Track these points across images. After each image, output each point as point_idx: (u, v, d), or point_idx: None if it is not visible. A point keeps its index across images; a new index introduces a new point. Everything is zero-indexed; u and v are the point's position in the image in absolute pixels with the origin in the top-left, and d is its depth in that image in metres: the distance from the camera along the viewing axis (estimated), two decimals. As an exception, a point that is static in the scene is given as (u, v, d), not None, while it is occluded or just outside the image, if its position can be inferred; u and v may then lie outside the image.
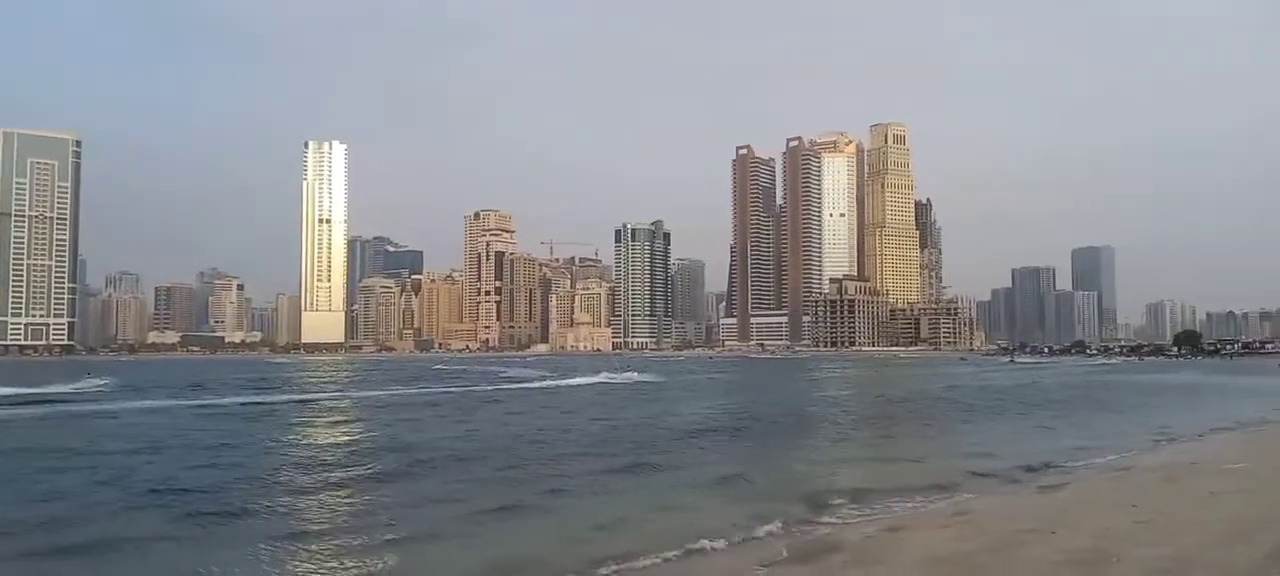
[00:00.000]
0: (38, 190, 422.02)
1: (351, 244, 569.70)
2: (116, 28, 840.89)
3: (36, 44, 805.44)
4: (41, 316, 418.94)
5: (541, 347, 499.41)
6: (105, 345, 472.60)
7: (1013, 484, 23.88)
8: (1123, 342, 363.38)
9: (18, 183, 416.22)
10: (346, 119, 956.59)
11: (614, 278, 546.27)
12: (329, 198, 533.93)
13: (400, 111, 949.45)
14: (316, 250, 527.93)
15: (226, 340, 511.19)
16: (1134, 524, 15.77)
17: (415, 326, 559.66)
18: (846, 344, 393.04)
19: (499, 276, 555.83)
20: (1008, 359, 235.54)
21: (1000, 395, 69.71)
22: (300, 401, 64.59)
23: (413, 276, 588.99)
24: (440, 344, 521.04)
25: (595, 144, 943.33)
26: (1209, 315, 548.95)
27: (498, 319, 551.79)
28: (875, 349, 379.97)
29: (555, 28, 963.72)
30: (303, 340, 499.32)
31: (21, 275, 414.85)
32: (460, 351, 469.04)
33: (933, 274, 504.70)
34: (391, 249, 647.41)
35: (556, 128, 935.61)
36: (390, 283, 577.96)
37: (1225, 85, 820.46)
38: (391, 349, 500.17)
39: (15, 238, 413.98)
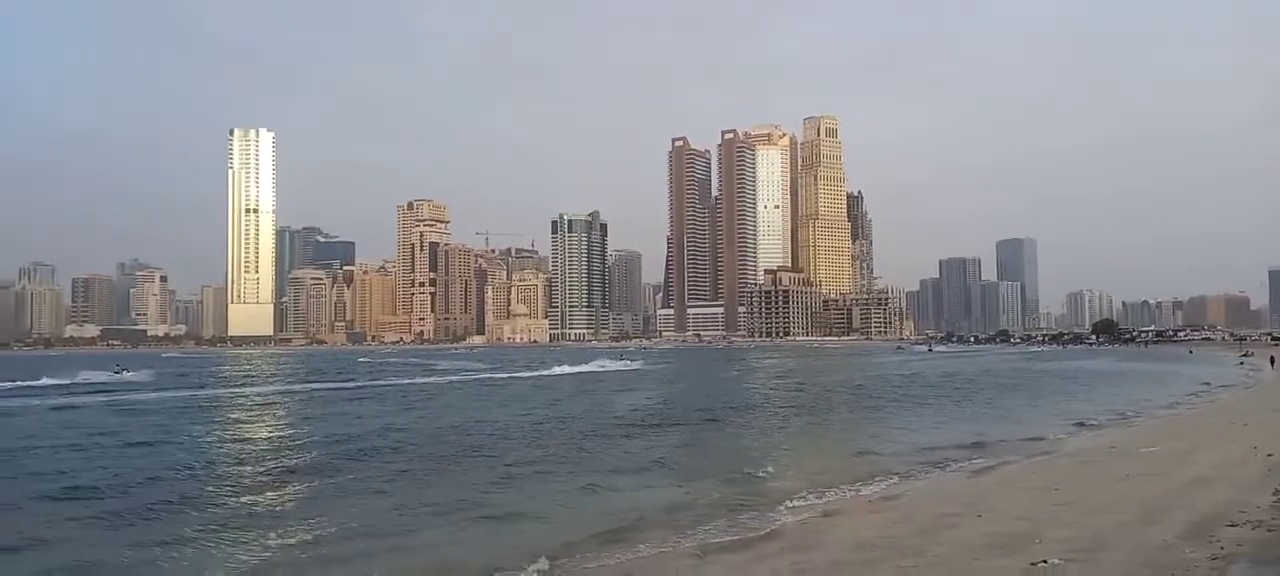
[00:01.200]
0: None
1: (280, 234, 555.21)
2: (33, 15, 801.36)
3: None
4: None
5: (477, 339, 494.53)
6: (19, 340, 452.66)
7: (940, 469, 24.64)
8: (1044, 331, 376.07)
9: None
10: (274, 106, 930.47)
11: (551, 269, 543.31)
12: (256, 187, 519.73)
13: (331, 100, 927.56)
14: (243, 240, 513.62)
15: (149, 333, 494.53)
16: (1054, 506, 16.44)
17: (347, 319, 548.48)
18: (781, 334, 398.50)
19: (433, 268, 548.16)
20: (926, 348, 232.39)
21: (928, 384, 71.53)
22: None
23: (344, 268, 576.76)
24: (373, 337, 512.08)
25: (530, 134, 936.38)
26: (1125, 304, 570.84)
27: (432, 311, 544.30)
28: (809, 338, 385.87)
29: (488, 15, 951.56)
30: (229, 333, 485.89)
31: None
32: (394, 344, 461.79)
33: (864, 265, 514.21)
34: (322, 239, 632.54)
35: (491, 117, 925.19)
36: (321, 274, 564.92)
37: (1149, 87, 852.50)
38: (322, 342, 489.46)
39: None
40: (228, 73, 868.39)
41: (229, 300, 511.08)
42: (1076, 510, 15.82)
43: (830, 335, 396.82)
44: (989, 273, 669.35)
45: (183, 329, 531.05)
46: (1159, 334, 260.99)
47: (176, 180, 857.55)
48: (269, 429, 39.98)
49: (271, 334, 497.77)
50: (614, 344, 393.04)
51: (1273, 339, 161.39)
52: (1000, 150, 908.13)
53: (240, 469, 26.17)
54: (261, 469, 26.02)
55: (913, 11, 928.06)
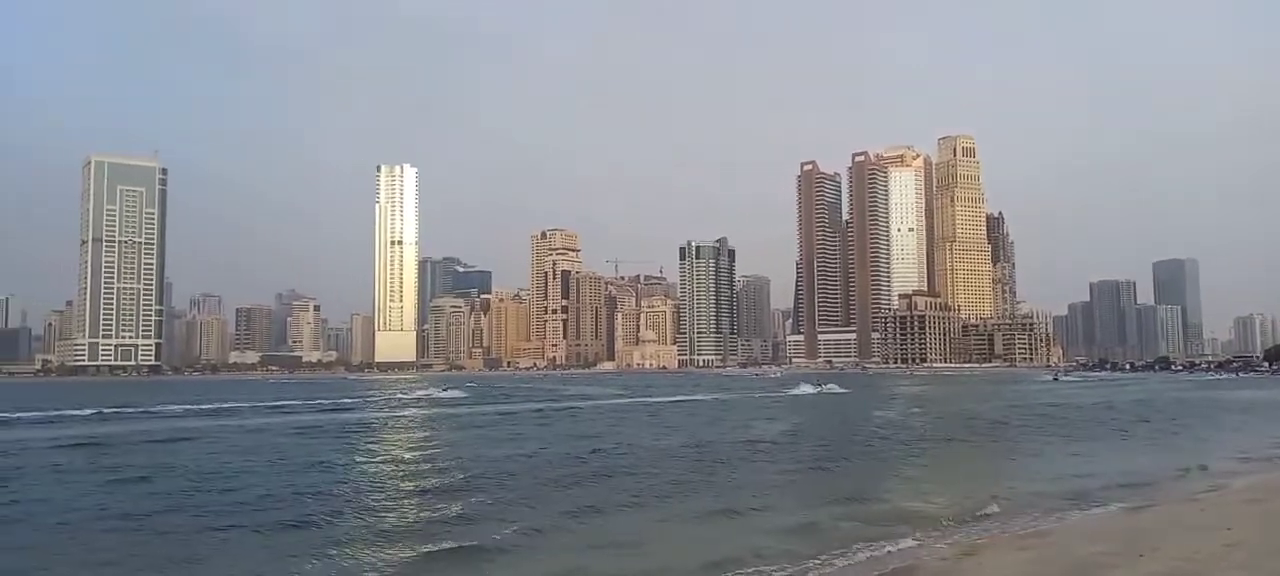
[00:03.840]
0: (126, 216, 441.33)
1: (422, 265, 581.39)
2: (190, 59, 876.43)
3: (117, 74, 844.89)
4: (130, 337, 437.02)
5: (608, 365, 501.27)
6: (190, 365, 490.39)
7: (1095, 505, 23.24)
8: (1210, 358, 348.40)
9: (108, 210, 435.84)
10: (415, 141, 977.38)
11: (679, 295, 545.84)
12: (400, 220, 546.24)
13: (467, 133, 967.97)
14: (389, 271, 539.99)
15: (304, 360, 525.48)
16: (1225, 547, 15.28)
17: (484, 345, 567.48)
18: (917, 360, 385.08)
19: (565, 295, 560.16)
20: (1051, 376, 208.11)
21: (1081, 414, 67.59)
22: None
23: (482, 296, 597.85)
24: (508, 363, 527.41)
25: (660, 161, 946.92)
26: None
27: (564, 337, 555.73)
28: (947, 365, 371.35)
29: (612, 44, 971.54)
30: (376, 359, 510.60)
31: (112, 298, 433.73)
32: (528, 370, 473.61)
33: (1006, 288, 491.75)
34: (461, 269, 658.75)
35: (620, 146, 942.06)
36: (460, 302, 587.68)
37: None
38: (461, 367, 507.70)
39: (107, 262, 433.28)
40: (373, 110, 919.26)
41: (376, 328, 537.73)
42: (1250, 551, 14.65)
43: (970, 361, 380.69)
44: (1145, 296, 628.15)
45: (334, 355, 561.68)
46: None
47: (329, 215, 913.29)
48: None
49: (414, 360, 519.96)
50: (743, 370, 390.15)
51: None
52: (1153, 165, 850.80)
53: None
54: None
55: (1049, 21, 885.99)
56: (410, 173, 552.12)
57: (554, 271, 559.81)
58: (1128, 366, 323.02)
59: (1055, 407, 76.08)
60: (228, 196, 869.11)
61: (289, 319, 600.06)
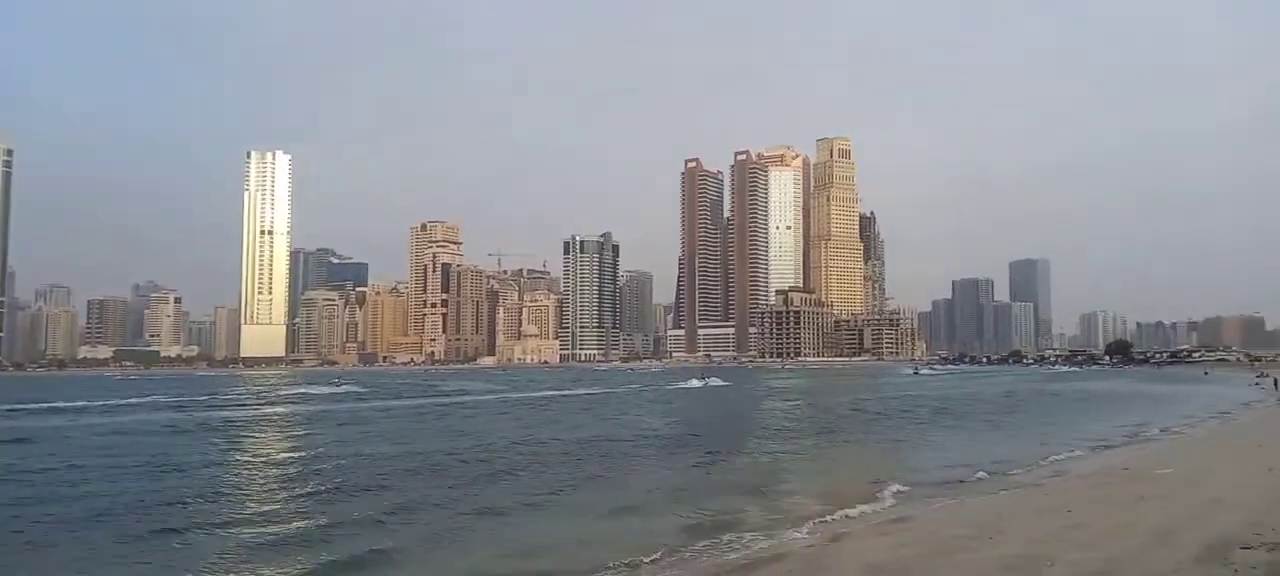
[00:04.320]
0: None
1: (294, 256, 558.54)
2: (49, 29, 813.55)
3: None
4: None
5: (488, 360, 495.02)
6: (33, 360, 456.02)
7: (953, 491, 24.40)
8: (1058, 352, 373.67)
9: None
10: (290, 128, 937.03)
11: (562, 289, 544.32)
12: (271, 209, 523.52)
13: (347, 121, 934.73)
14: (258, 262, 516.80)
15: (162, 354, 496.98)
16: (1067, 528, 16.27)
17: (359, 340, 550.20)
18: (792, 354, 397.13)
19: (445, 288, 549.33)
20: (912, 371, 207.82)
21: (941, 406, 71.08)
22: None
23: (357, 289, 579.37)
24: (385, 358, 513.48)
25: (543, 156, 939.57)
26: (1139, 325, 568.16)
27: (444, 332, 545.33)
28: (819, 359, 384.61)
29: (497, 34, 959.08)
30: (242, 354, 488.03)
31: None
32: (406, 365, 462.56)
33: (876, 285, 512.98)
34: (335, 261, 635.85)
35: (503, 139, 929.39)
36: (334, 295, 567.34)
37: (1166, 95, 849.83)
38: (334, 363, 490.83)
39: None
40: (243, 94, 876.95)
41: (243, 321, 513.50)
42: (1090, 532, 15.66)
43: (841, 356, 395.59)
44: (1002, 293, 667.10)
45: (195, 350, 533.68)
46: (1173, 355, 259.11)
47: (193, 202, 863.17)
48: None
49: (283, 355, 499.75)
50: (624, 364, 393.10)
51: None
52: (1010, 168, 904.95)
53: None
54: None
55: (922, 28, 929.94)
56: (283, 160, 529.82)
57: (434, 264, 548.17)
58: (985, 360, 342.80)
59: (919, 399, 79.81)
60: (80, 180, 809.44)
61: (147, 311, 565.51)
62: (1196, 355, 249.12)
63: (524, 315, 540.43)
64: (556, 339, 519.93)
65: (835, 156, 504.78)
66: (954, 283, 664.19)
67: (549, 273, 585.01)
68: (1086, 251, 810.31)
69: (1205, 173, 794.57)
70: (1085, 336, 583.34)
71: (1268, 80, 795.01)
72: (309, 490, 25.84)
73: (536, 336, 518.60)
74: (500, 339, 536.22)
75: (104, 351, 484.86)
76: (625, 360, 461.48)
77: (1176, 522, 16.02)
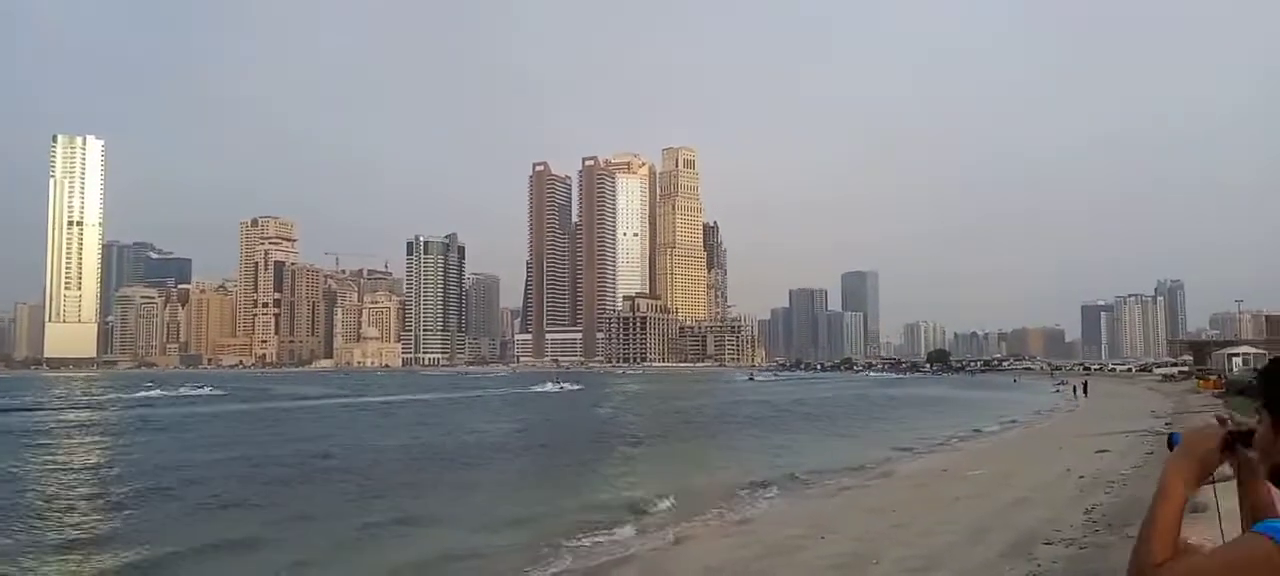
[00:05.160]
0: None
1: (107, 249, 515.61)
2: None
3: None
4: None
5: (325, 363, 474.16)
6: None
7: (789, 492, 25.41)
8: (884, 359, 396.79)
9: None
10: (106, 112, 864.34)
11: (405, 291, 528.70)
12: (80, 198, 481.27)
13: (169, 108, 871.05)
14: (63, 255, 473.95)
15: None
16: (891, 527, 17.28)
17: (181, 340, 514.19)
18: (639, 359, 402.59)
19: (278, 287, 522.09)
20: (747, 377, 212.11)
21: (778, 409, 73.89)
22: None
23: (179, 286, 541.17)
24: (210, 359, 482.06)
25: (387, 155, 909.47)
26: (957, 335, 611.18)
27: (276, 333, 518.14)
28: (664, 364, 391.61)
29: (342, 27, 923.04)
30: (46, 354, 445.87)
31: None
32: (233, 367, 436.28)
33: (719, 293, 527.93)
34: (155, 256, 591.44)
35: (344, 135, 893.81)
36: (152, 292, 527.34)
37: (983, 121, 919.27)
38: (152, 364, 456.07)
39: None
40: (54, 74, 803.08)
41: (46, 319, 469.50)
42: (911, 531, 16.67)
43: (686, 361, 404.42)
44: (835, 303, 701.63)
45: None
46: (986, 363, 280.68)
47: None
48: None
49: (94, 356, 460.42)
50: (471, 369, 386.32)
51: (1083, 369, 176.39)
52: (846, 185, 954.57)
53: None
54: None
55: (771, 45, 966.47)
56: (95, 145, 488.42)
57: (266, 261, 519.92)
58: (819, 366, 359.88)
59: (759, 405, 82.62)
60: None
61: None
62: (1006, 364, 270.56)
63: (364, 317, 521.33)
64: (399, 342, 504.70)
65: (681, 166, 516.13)
66: (791, 292, 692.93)
67: (391, 274, 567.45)
68: (910, 265, 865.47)
69: (1020, 200, 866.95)
70: (909, 345, 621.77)
71: (1091, 111, 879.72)
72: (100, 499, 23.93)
73: (377, 339, 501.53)
74: (338, 341, 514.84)
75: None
76: (471, 364, 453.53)
77: (988, 521, 17.30)
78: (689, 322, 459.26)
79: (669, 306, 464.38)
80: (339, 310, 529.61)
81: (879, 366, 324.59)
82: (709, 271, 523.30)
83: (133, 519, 21.62)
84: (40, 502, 24.26)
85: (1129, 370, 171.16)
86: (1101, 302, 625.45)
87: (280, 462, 33.23)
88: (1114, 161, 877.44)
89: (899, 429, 50.64)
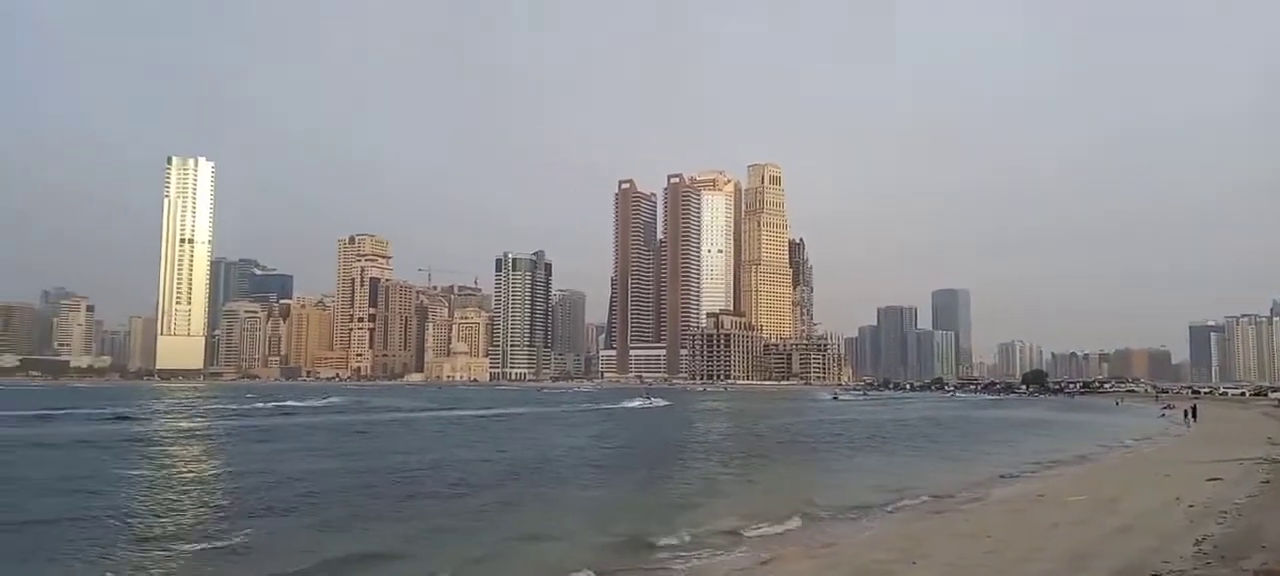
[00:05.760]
0: None
1: (215, 265, 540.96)
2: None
3: None
4: None
5: (416, 377, 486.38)
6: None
7: (877, 515, 24.94)
8: (977, 380, 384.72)
9: None
10: (215, 136, 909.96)
11: (493, 307, 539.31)
12: (192, 216, 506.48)
13: (274, 132, 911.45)
14: (176, 271, 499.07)
15: (72, 365, 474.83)
16: (985, 553, 16.79)
17: (282, 354, 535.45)
18: (722, 376, 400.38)
19: (373, 303, 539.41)
20: (831, 396, 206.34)
21: (868, 430, 72.50)
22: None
23: (281, 301, 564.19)
24: (309, 372, 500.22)
25: (477, 173, 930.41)
26: (1054, 355, 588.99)
27: (371, 347, 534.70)
28: (748, 381, 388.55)
29: (432, 48, 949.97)
30: (158, 366, 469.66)
31: None
32: (330, 380, 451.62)
33: (804, 310, 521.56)
34: (259, 272, 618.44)
35: (436, 155, 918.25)
36: (256, 307, 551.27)
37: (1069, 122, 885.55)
38: (255, 376, 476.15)
39: None
40: (168, 100, 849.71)
41: (159, 332, 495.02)
42: (1006, 558, 16.17)
43: (770, 379, 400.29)
44: (925, 321, 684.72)
45: (108, 360, 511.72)
46: (1085, 385, 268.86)
47: (108, 207, 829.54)
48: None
49: (201, 367, 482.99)
50: (557, 384, 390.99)
51: (1192, 392, 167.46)
52: (933, 199, 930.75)
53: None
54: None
55: (856, 58, 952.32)
56: (206, 167, 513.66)
57: (362, 278, 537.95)
58: (908, 386, 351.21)
59: (846, 424, 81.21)
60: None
61: (56, 319, 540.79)
62: (1108, 386, 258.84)
63: (454, 332, 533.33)
64: (487, 357, 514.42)
65: (766, 182, 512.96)
66: (879, 310, 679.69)
67: (480, 290, 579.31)
68: (1005, 283, 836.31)
69: (1127, 204, 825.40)
70: (1004, 365, 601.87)
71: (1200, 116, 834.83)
72: (227, 506, 25.10)
73: (466, 353, 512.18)
74: (429, 355, 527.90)
75: (9, 360, 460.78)
76: (557, 380, 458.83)
77: (1088, 548, 16.65)
78: (774, 340, 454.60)
79: (753, 323, 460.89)
80: (430, 325, 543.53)
81: (972, 387, 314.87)
82: (794, 288, 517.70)
83: (260, 528, 22.60)
84: (205, 508, 25.66)
85: (1242, 394, 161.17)
86: (1211, 323, 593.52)
87: (403, 474, 34.27)
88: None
89: (992, 451, 49.12)
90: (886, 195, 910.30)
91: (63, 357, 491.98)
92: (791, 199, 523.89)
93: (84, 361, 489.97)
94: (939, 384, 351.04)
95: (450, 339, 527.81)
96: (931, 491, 29.89)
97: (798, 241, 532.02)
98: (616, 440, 58.70)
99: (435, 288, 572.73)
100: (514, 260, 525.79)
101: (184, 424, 72.85)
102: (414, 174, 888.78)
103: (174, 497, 27.75)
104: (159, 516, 24.06)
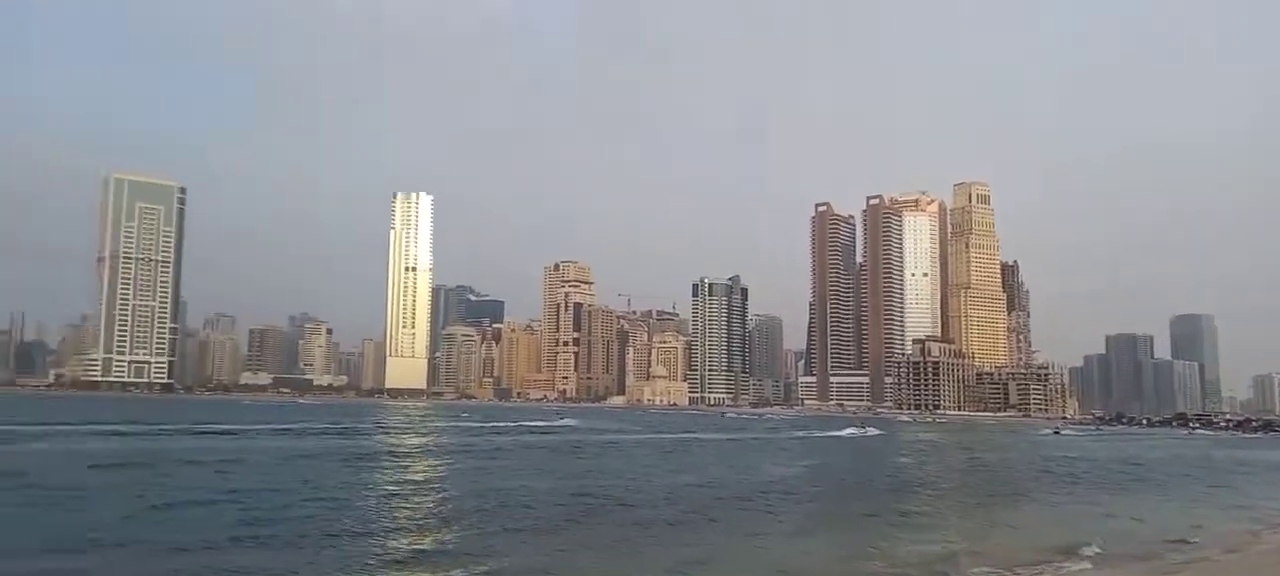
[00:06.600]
0: (144, 234, 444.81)
1: (435, 292, 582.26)
2: (216, 82, 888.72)
3: (139, 94, 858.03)
4: (144, 355, 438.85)
5: (618, 400, 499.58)
6: (202, 384, 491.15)
7: (1109, 561, 23.31)
8: (1228, 416, 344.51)
9: (127, 227, 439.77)
10: (431, 169, 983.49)
11: (691, 332, 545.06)
12: (415, 246, 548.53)
13: (482, 163, 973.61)
14: (402, 297, 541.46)
15: (314, 383, 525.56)
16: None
17: (495, 375, 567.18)
18: (931, 407, 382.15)
19: (577, 327, 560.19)
20: (1052, 430, 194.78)
21: (1099, 467, 67.27)
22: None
23: (494, 325, 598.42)
24: (518, 393, 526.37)
25: (675, 196, 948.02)
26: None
27: (575, 370, 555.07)
28: (960, 412, 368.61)
29: (629, 77, 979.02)
30: (386, 385, 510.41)
31: (127, 315, 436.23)
32: (539, 401, 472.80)
33: (1021, 337, 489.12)
34: (473, 298, 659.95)
35: (634, 182, 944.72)
36: (471, 331, 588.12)
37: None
38: (471, 397, 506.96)
39: (123, 279, 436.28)
40: (388, 138, 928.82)
41: (388, 353, 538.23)
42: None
43: (984, 410, 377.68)
44: (1162, 350, 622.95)
45: (344, 379, 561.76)
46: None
47: (344, 240, 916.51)
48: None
49: (424, 387, 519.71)
50: (754, 410, 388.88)
51: None
52: (1165, 216, 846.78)
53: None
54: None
55: (1061, 68, 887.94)
56: (426, 200, 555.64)
57: (566, 303, 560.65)
58: (1144, 421, 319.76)
59: (1074, 461, 75.69)
60: (245, 219, 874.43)
61: (301, 341, 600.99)
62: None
63: (653, 356, 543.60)
64: (685, 381, 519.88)
65: (974, 202, 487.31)
66: (1108, 338, 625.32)
67: (678, 315, 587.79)
68: (1260, 307, 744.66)
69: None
70: (1260, 399, 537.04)
71: None
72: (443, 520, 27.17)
73: (665, 377, 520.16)
74: (629, 379, 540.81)
75: (263, 378, 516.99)
76: (754, 405, 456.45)
77: None
78: (987, 369, 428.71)
79: (963, 350, 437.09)
80: (630, 349, 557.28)
81: (1222, 423, 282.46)
82: (1009, 314, 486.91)
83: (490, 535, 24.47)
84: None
85: None
86: None
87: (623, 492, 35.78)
88: None
89: (1246, 498, 44.21)
90: (1113, 215, 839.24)
91: (307, 376, 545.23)
92: (1003, 221, 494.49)
93: (325, 380, 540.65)
94: (1182, 420, 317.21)
95: (650, 363, 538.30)
96: (1174, 538, 27.48)
97: (1011, 264, 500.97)
98: (844, 469, 57.86)
99: (634, 312, 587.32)
100: (710, 285, 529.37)
101: (439, 439, 78.95)
102: (611, 199, 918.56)
103: (419, 505, 30.38)
104: (396, 522, 26.51)
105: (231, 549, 21.98)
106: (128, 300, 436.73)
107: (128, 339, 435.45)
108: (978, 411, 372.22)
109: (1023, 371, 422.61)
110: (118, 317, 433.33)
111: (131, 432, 73.56)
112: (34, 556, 20.53)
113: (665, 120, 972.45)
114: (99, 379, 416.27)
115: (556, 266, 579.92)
